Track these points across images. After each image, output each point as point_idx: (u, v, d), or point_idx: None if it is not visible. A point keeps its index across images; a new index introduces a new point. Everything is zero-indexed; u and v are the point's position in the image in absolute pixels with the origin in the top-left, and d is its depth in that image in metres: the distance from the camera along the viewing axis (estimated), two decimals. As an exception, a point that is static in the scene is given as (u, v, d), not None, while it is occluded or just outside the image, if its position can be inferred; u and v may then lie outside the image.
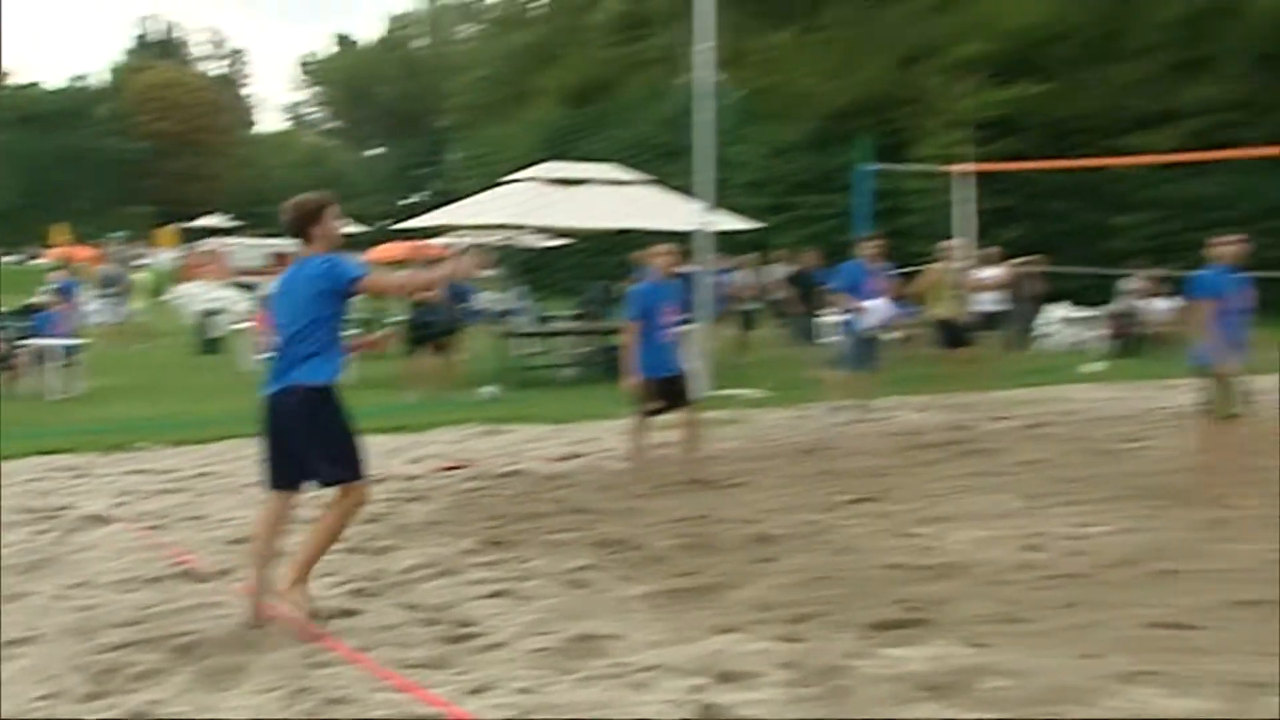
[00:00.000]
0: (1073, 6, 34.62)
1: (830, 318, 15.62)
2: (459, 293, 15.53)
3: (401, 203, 63.34)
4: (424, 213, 21.47)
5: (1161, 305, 21.61)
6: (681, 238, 17.47)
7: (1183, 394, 14.12)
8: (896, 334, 16.78)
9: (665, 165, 40.03)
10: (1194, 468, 8.78)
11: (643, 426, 9.01)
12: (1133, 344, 21.15)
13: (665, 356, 8.93)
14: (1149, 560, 6.32)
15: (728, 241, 20.04)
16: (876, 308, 12.12)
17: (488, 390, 14.20)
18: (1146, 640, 4.94)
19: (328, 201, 5.44)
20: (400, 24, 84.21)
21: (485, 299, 20.71)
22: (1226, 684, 4.35)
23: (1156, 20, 32.85)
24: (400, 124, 77.08)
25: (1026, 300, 18.76)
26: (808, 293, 15.93)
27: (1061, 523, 7.29)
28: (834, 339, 13.53)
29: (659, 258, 9.23)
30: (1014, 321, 18.30)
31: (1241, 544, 6.65)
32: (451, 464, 9.55)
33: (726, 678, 4.57)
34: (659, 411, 8.97)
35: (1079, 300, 24.87)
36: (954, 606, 5.50)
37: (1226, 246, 8.62)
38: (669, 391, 8.91)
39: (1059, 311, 23.28)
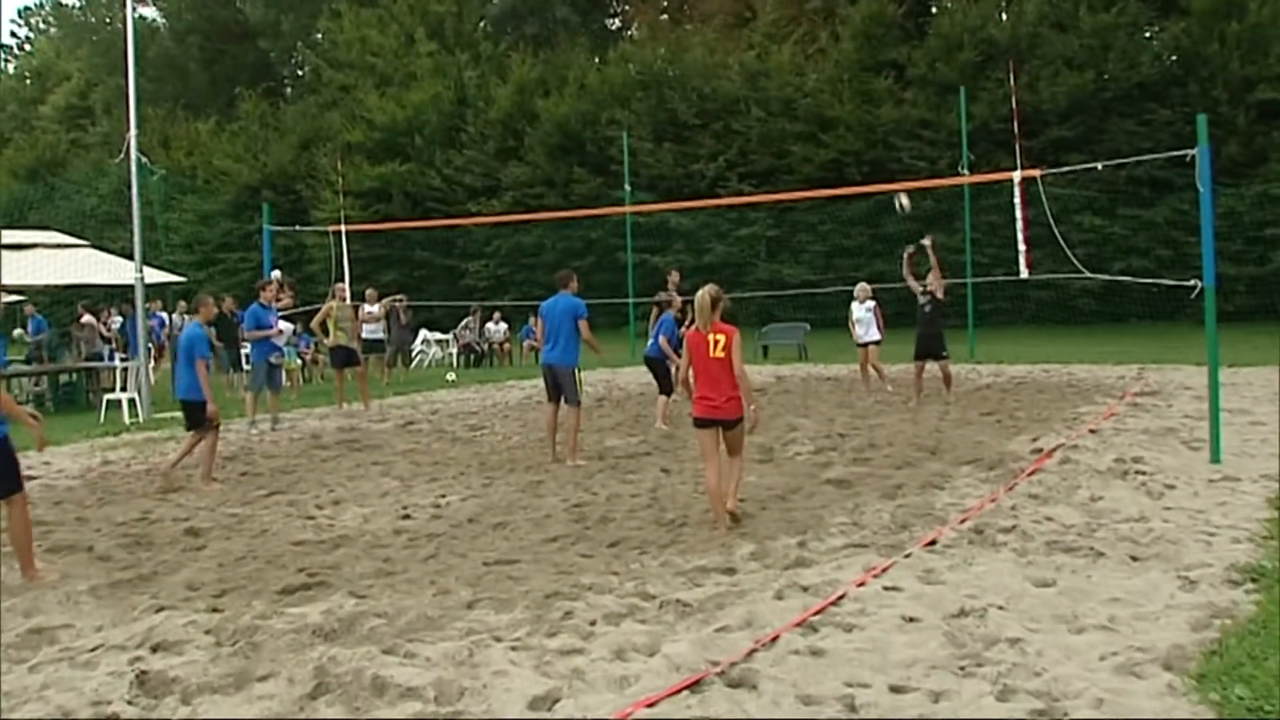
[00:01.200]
0: (425, 108, 35.78)
1: (246, 350, 14.84)
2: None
3: None
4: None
5: (497, 328, 22.94)
6: (122, 290, 15.93)
7: (512, 393, 15.42)
8: (298, 360, 16.28)
9: (110, 231, 35.47)
10: (517, 445, 9.54)
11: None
12: (479, 357, 22.29)
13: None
14: (489, 516, 6.69)
15: (161, 292, 18.56)
16: (275, 340, 11.82)
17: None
18: (484, 576, 5.22)
19: None
20: None
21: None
22: (535, 598, 4.75)
23: (484, 119, 35.01)
24: None
25: (402, 328, 19.06)
26: (229, 330, 14.97)
27: (427, 496, 7.49)
28: (248, 367, 12.83)
29: (203, 306, 9.14)
30: (392, 345, 18.52)
31: (551, 498, 7.29)
32: None
33: (160, 648, 4.22)
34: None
35: (440, 327, 25.80)
36: (345, 569, 5.43)
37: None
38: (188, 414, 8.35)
39: (425, 336, 23.86)
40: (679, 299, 11.55)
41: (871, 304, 12.96)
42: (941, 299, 11.86)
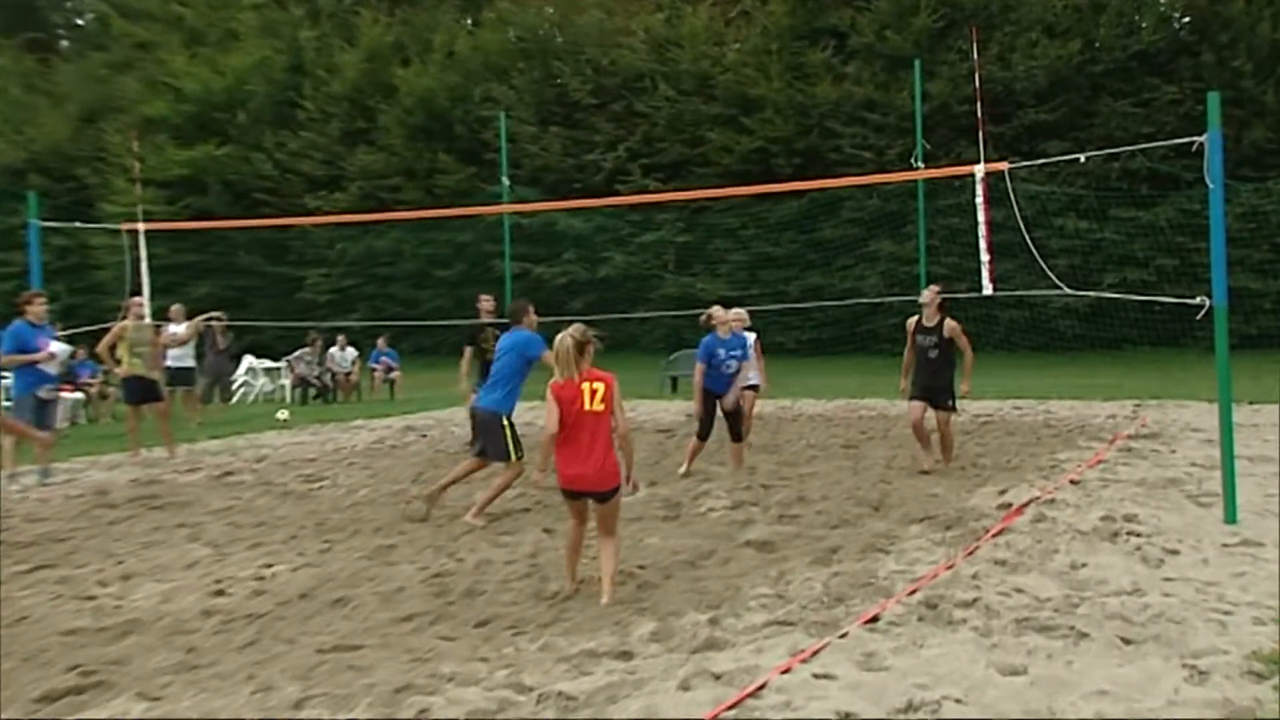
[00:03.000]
0: (249, 75, 35.21)
1: (6, 380, 14.28)
2: None
3: None
4: None
5: (342, 355, 22.63)
6: None
7: (360, 435, 15.23)
8: (79, 393, 15.76)
9: None
10: (365, 501, 9.43)
11: None
12: (319, 391, 21.95)
13: None
14: (325, 591, 6.56)
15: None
16: (47, 367, 11.36)
17: None
18: (317, 667, 5.12)
19: None
20: None
21: None
22: (381, 693, 4.68)
23: (326, 92, 34.64)
24: None
25: (219, 354, 18.67)
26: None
27: (247, 566, 7.31)
28: (8, 403, 12.37)
29: None
30: (206, 375, 18.11)
31: (405, 566, 7.20)
32: None
33: None
34: None
35: (270, 353, 25.30)
36: (134, 664, 5.25)
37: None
38: None
39: (250, 364, 23.39)
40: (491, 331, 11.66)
41: (751, 339, 11.36)
42: (956, 345, 10.56)
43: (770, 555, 7.10)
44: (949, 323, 10.45)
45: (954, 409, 10.53)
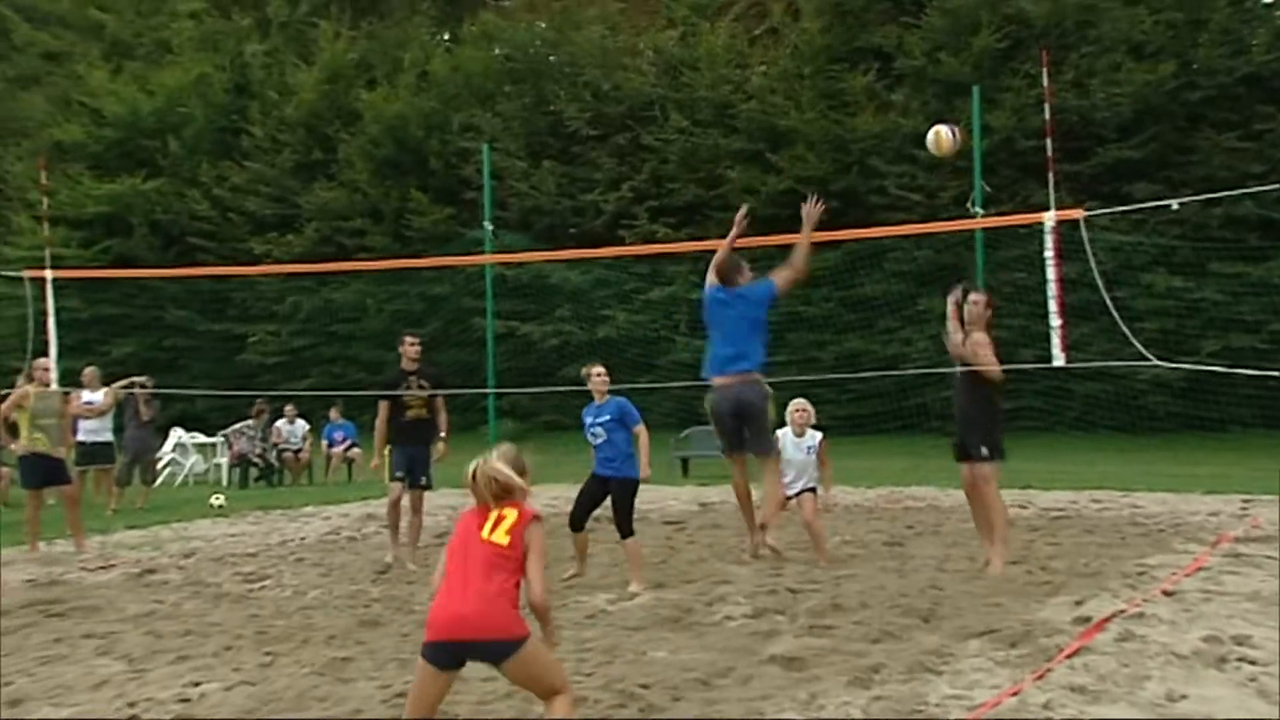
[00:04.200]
0: (185, 96, 35.61)
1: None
2: None
3: None
4: None
5: (292, 429, 22.65)
6: None
7: (312, 524, 15.20)
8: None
9: None
10: (316, 604, 9.41)
11: None
12: (263, 471, 21.96)
13: None
14: (264, 714, 6.52)
15: None
16: None
17: None
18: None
19: None
20: None
21: None
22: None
23: (277, 117, 35.05)
24: None
25: (143, 427, 18.68)
26: None
27: (169, 685, 7.25)
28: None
29: None
30: (127, 453, 18.13)
31: (362, 683, 7.15)
32: None
33: None
34: None
35: (206, 424, 25.34)
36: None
37: None
38: None
39: (180, 438, 23.42)
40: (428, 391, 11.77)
41: (816, 439, 11.38)
42: (983, 373, 10.19)
43: (799, 674, 7.04)
44: (975, 336, 10.13)
45: (989, 458, 10.14)
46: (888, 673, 6.98)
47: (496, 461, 5.48)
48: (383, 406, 11.68)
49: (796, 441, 11.36)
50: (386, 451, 12.04)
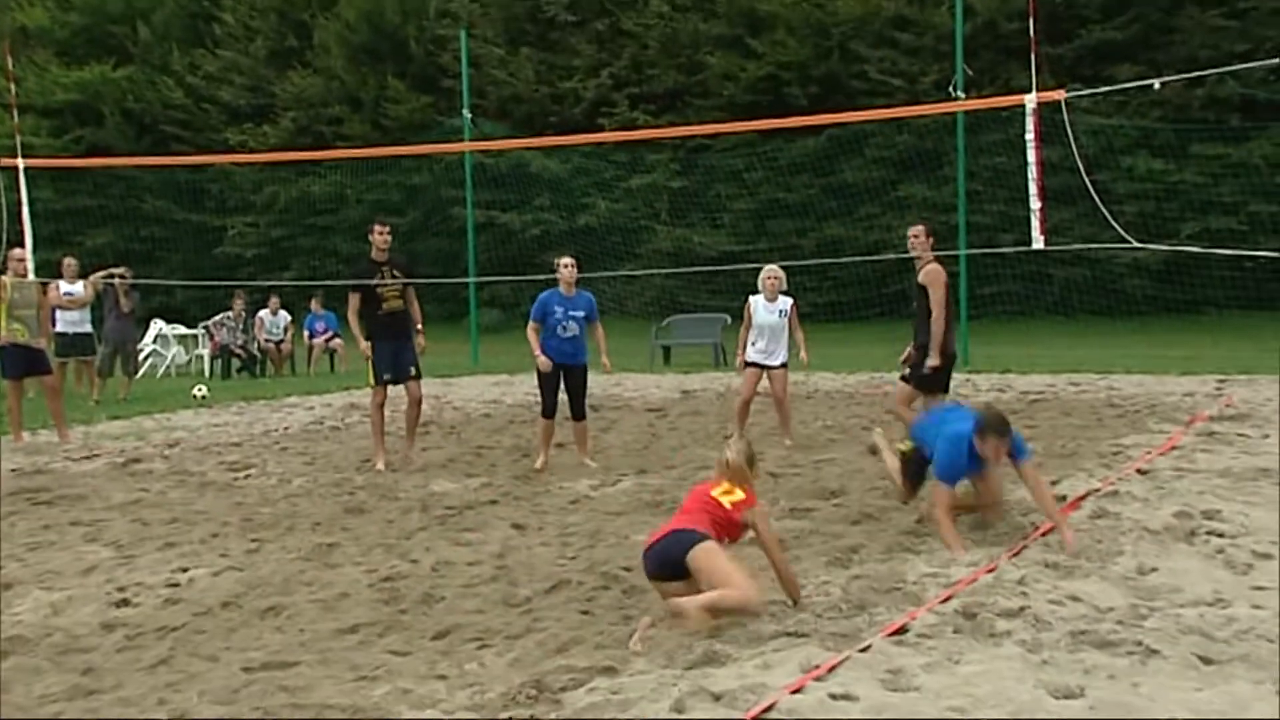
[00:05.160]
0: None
1: None
2: None
3: None
4: None
5: (274, 320, 22.60)
6: None
7: (296, 414, 15.26)
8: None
9: None
10: (301, 492, 9.48)
11: None
12: (245, 363, 21.95)
13: None
14: (254, 598, 6.59)
15: None
16: None
17: None
18: (244, 689, 5.15)
19: None
20: None
21: None
22: (325, 714, 4.73)
23: (250, 4, 34.45)
24: None
25: (123, 319, 18.58)
26: None
27: (158, 571, 7.33)
28: None
29: None
30: (108, 344, 18.07)
31: (348, 568, 7.24)
32: None
33: None
34: None
35: (186, 316, 25.27)
36: (15, 691, 5.24)
37: None
38: None
39: (161, 329, 23.34)
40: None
41: (787, 304, 11.69)
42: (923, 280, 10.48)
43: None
44: (927, 268, 10.38)
45: (910, 382, 10.38)
46: (866, 553, 7.09)
47: (736, 455, 6.28)
48: (353, 297, 11.16)
49: (769, 306, 11.61)
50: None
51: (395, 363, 11.09)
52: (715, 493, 6.16)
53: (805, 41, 29.07)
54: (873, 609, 5.92)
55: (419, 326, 11.38)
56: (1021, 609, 5.80)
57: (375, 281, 11.12)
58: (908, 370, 10.38)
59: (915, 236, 10.58)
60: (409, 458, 11.17)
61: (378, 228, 11.39)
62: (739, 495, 6.15)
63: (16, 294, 13.12)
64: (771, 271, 11.71)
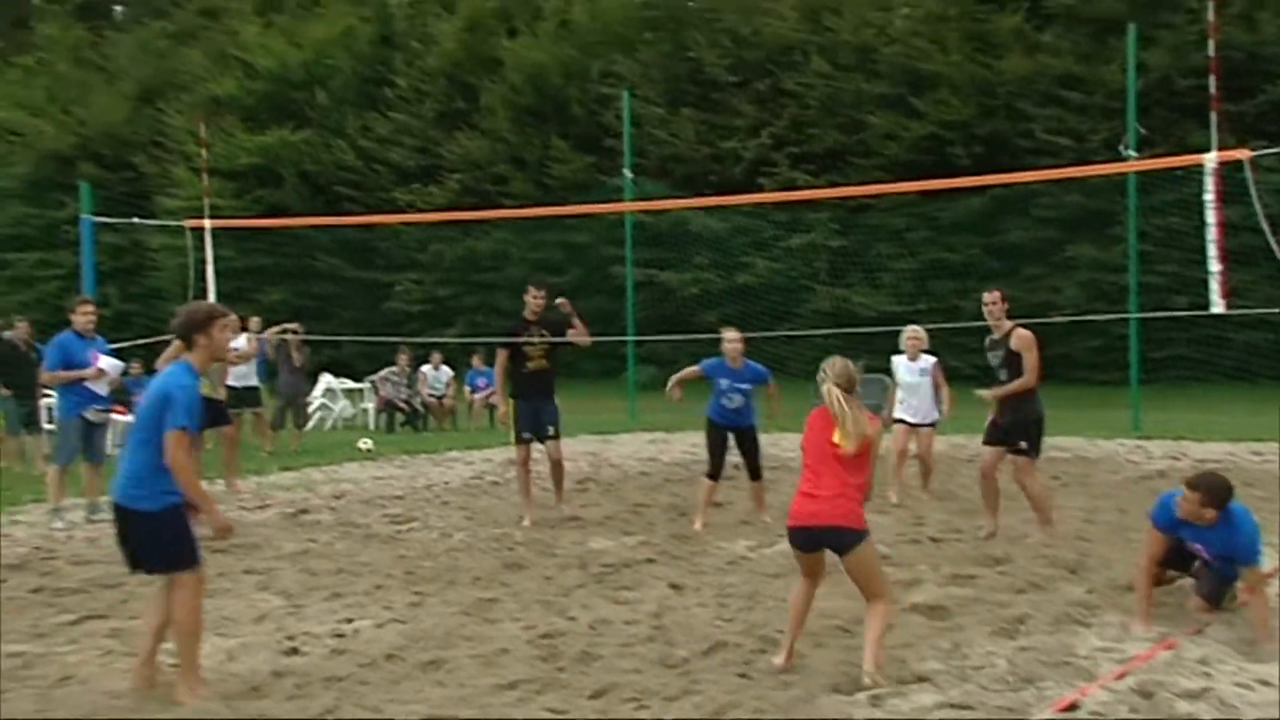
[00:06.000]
0: (332, 48, 36.18)
1: (49, 400, 14.94)
2: None
3: None
4: None
5: (436, 375, 23.02)
6: None
7: (456, 469, 15.50)
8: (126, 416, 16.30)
9: None
10: (462, 546, 9.63)
11: None
12: (408, 417, 22.38)
13: None
14: (416, 651, 6.69)
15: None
16: (95, 385, 11.64)
17: None
18: (405, 739, 5.24)
19: None
20: None
21: None
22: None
23: (420, 67, 35.45)
24: None
25: (295, 373, 19.14)
26: (20, 370, 15.04)
27: (325, 620, 7.49)
28: (51, 426, 12.90)
29: None
30: (280, 397, 18.62)
31: (508, 623, 7.31)
32: None
33: None
34: None
35: (353, 371, 25.90)
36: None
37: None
38: None
39: (329, 384, 23.92)
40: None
41: (929, 362, 12.06)
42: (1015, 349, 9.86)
43: (942, 623, 7.02)
44: (1020, 333, 9.88)
45: (1030, 454, 9.79)
46: (1034, 624, 6.91)
47: (838, 377, 6.33)
48: (501, 354, 11.47)
49: (910, 365, 12.11)
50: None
51: (534, 421, 11.24)
52: (837, 439, 6.19)
53: (969, 100, 28.79)
54: (1041, 683, 5.77)
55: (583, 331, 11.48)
56: (1204, 690, 5.59)
57: (521, 340, 11.24)
58: (1023, 444, 9.82)
59: (994, 303, 10.08)
60: (560, 514, 11.24)
61: (533, 290, 11.50)
62: (861, 428, 6.18)
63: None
64: (913, 331, 12.18)
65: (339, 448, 18.20)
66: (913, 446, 12.27)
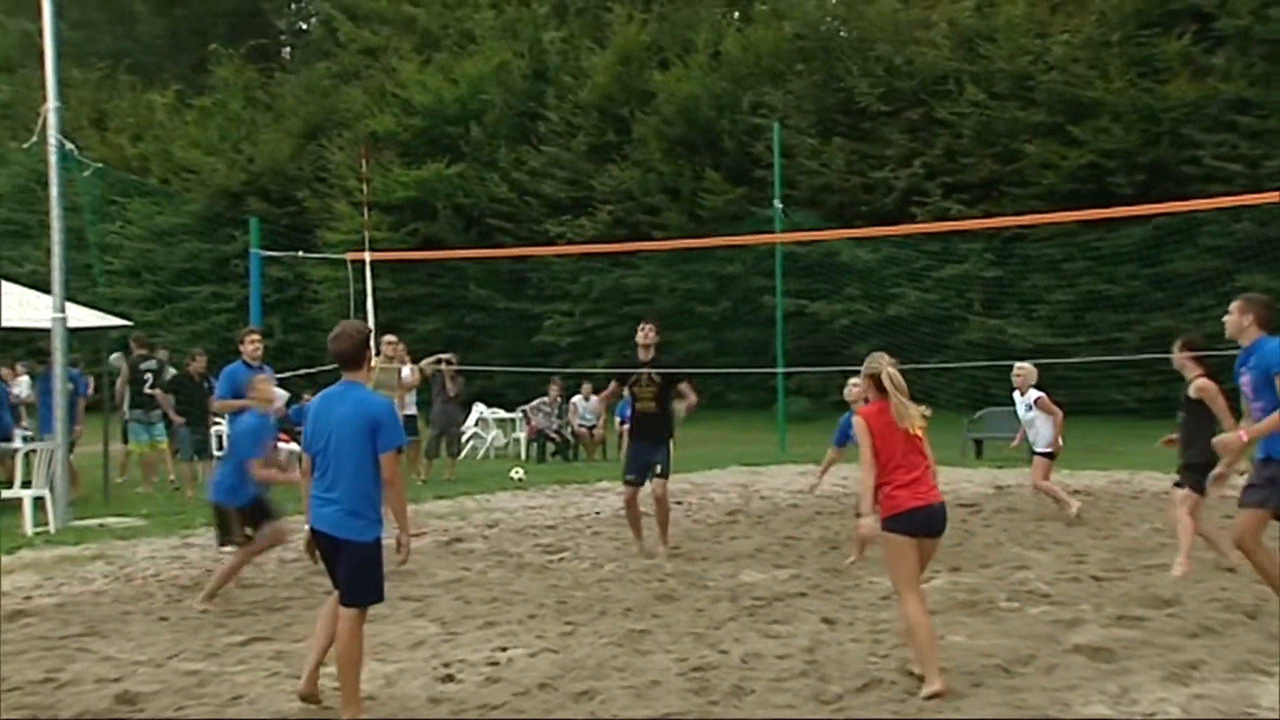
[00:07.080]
0: (486, 84, 36.84)
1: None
2: None
3: None
4: None
5: (587, 405, 23.21)
6: (31, 337, 16.35)
7: (607, 499, 15.59)
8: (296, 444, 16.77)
9: (13, 248, 37.51)
10: (613, 577, 9.66)
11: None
12: (559, 447, 22.60)
13: None
14: (568, 682, 6.75)
15: (93, 341, 19.15)
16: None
17: None
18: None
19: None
20: None
21: None
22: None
23: (573, 101, 35.90)
24: None
25: (449, 402, 19.47)
26: (193, 400, 15.65)
27: (479, 648, 7.60)
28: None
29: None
30: (434, 426, 18.96)
31: (659, 655, 7.31)
32: None
33: None
34: None
35: (503, 401, 26.27)
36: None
37: None
38: None
39: (481, 413, 24.28)
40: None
41: (1034, 396, 12.97)
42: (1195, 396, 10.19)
43: (1108, 666, 6.81)
44: (1202, 383, 10.05)
45: (1193, 487, 9.79)
46: (1208, 670, 6.65)
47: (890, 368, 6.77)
48: (614, 385, 11.57)
49: (1020, 400, 13.13)
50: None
51: (639, 465, 11.21)
52: (906, 424, 6.65)
53: (1132, 128, 28.07)
54: (1216, 733, 5.56)
55: (691, 401, 11.35)
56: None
57: (629, 372, 11.25)
58: (1204, 481, 9.50)
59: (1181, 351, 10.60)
60: (655, 552, 11.12)
61: (643, 327, 11.44)
62: (921, 417, 6.74)
63: (382, 377, 13.51)
64: (1019, 368, 13.25)
65: (491, 476, 18.46)
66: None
